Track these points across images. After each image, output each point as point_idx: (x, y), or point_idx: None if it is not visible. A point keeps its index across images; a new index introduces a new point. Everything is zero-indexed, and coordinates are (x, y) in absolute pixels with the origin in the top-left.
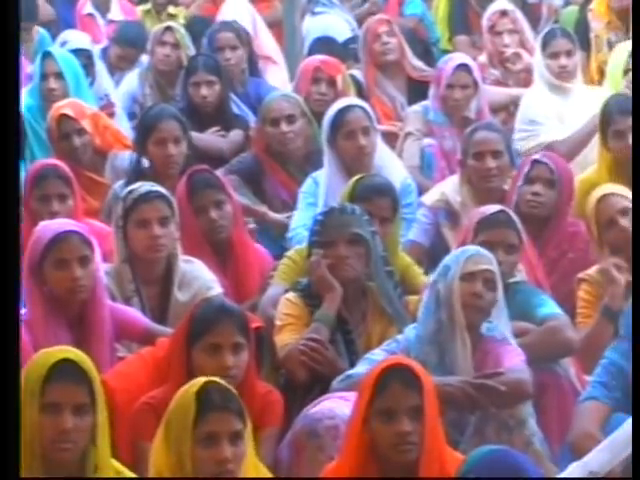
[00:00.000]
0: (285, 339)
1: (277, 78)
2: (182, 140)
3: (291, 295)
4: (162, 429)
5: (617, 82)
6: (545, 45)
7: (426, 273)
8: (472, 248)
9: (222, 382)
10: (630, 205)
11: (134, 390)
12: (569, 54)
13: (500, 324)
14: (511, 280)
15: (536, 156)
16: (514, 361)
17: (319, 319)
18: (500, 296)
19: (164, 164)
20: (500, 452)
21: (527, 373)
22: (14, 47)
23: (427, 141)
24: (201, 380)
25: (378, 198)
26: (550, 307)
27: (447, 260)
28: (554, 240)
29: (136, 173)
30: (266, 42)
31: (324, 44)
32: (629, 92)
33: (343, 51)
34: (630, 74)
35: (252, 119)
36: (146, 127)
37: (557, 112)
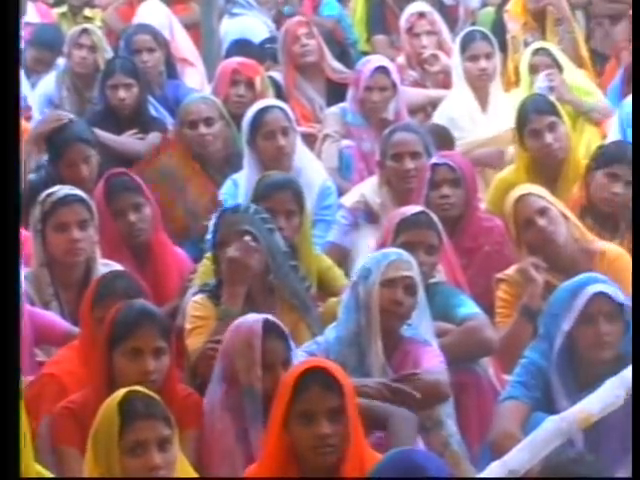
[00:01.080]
0: (195, 343)
1: (195, 80)
2: (92, 156)
3: (198, 297)
4: (90, 442)
5: (526, 83)
6: (464, 48)
7: (347, 275)
8: (394, 252)
9: (144, 390)
10: (547, 205)
11: (77, 371)
12: (488, 57)
13: (422, 326)
14: (431, 281)
15: (434, 160)
16: (432, 362)
17: (222, 317)
18: (422, 299)
19: (77, 182)
20: (404, 453)
21: (445, 375)
22: (14, 47)
23: (345, 143)
24: (123, 390)
25: (277, 193)
26: (469, 307)
27: (368, 262)
28: (469, 234)
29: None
30: (183, 44)
31: (241, 47)
32: (542, 91)
33: (261, 53)
34: (541, 74)
35: (170, 122)
36: (55, 152)
37: (474, 117)
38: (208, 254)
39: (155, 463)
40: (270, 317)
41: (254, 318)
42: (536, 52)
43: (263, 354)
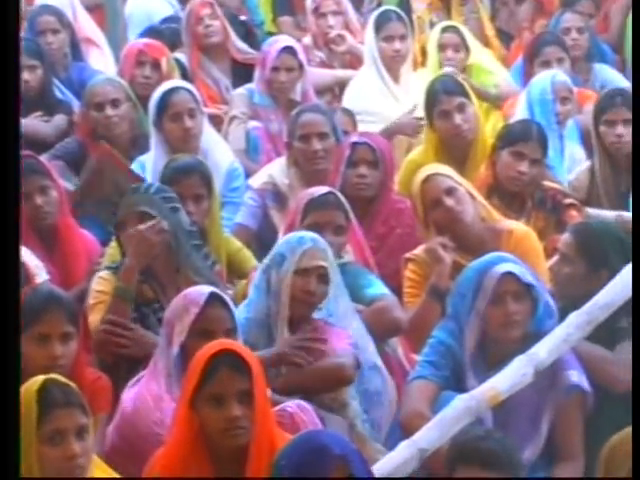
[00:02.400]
0: (96, 320)
1: (100, 62)
2: None
3: (104, 272)
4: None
5: (434, 61)
6: (379, 28)
7: (256, 256)
8: (309, 238)
9: (61, 378)
10: (454, 185)
11: None
12: (402, 38)
13: (339, 308)
14: (339, 261)
15: (354, 138)
16: (339, 345)
17: (116, 294)
18: (338, 282)
19: None
20: (310, 433)
21: (351, 357)
22: (14, 46)
23: (253, 124)
24: (40, 378)
25: (185, 178)
26: (378, 287)
27: (282, 247)
28: (381, 217)
29: None
30: (86, 25)
31: (151, 33)
32: (448, 70)
33: (168, 35)
34: (448, 52)
35: (76, 104)
36: None
37: (386, 97)
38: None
39: (74, 452)
40: (217, 290)
41: (202, 288)
42: (445, 30)
43: (205, 321)
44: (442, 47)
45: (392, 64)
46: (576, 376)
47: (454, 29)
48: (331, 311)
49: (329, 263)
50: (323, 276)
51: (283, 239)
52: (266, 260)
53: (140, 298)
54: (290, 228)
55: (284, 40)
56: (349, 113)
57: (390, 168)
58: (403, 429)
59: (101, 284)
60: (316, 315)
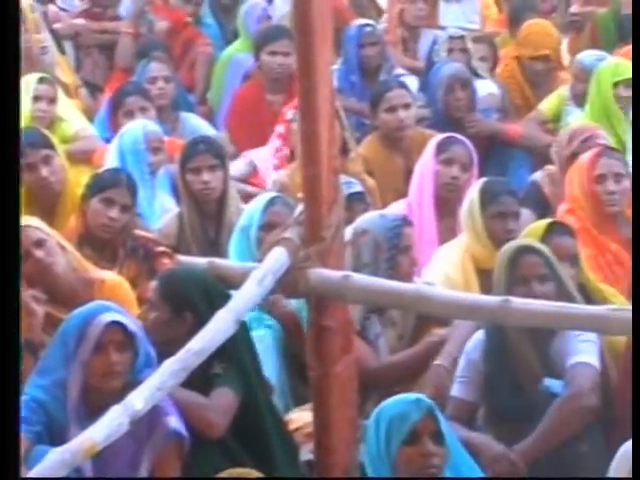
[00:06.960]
0: None
1: None
2: None
3: None
4: None
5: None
6: None
7: None
8: None
9: None
10: (44, 236)
11: None
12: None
13: None
14: None
15: None
16: None
17: None
18: None
19: None
20: None
21: None
22: (14, 48)
23: None
24: None
25: None
26: None
27: None
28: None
29: None
30: None
31: None
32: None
33: None
34: (41, 104)
35: None
36: None
37: None
38: None
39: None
40: None
41: None
42: (40, 81)
43: None
44: (36, 99)
45: None
46: (174, 422)
47: (48, 81)
48: None
49: None
50: None
51: None
52: None
53: None
54: None
55: None
56: None
57: None
58: None
59: None
60: None
